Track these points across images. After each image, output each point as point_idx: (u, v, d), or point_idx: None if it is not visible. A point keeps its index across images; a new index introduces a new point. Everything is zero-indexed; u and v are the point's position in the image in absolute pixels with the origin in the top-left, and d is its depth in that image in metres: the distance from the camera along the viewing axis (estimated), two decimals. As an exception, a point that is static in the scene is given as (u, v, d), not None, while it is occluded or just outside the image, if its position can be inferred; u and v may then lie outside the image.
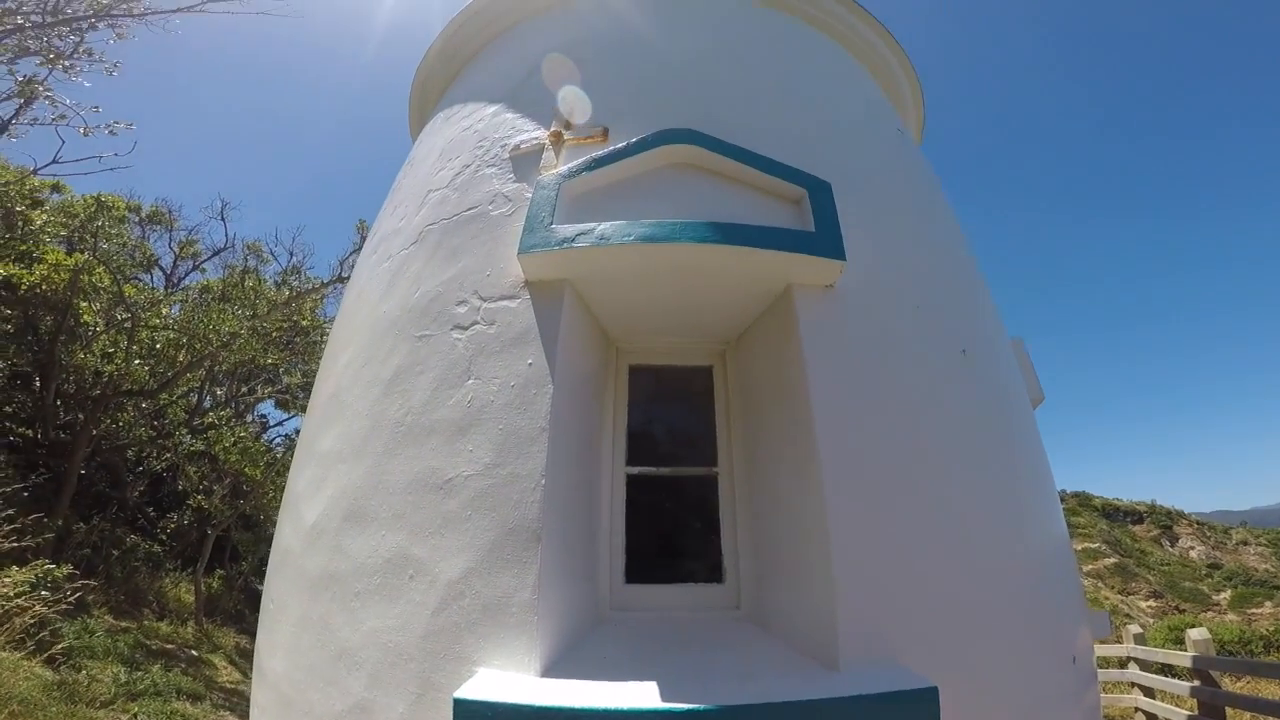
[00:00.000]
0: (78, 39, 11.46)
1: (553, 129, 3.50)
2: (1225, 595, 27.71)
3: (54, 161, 13.50)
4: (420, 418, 2.63)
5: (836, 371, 2.50)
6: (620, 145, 3.08)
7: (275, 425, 22.16)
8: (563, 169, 3.07)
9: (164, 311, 13.12)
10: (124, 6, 11.52)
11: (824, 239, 2.59)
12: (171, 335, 12.79)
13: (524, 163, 3.44)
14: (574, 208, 2.91)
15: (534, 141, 3.52)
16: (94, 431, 12.32)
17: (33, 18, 10.83)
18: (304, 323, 16.21)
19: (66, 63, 11.13)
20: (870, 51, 5.45)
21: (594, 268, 2.69)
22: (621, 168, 3.03)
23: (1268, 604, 26.35)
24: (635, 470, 2.89)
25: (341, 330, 3.79)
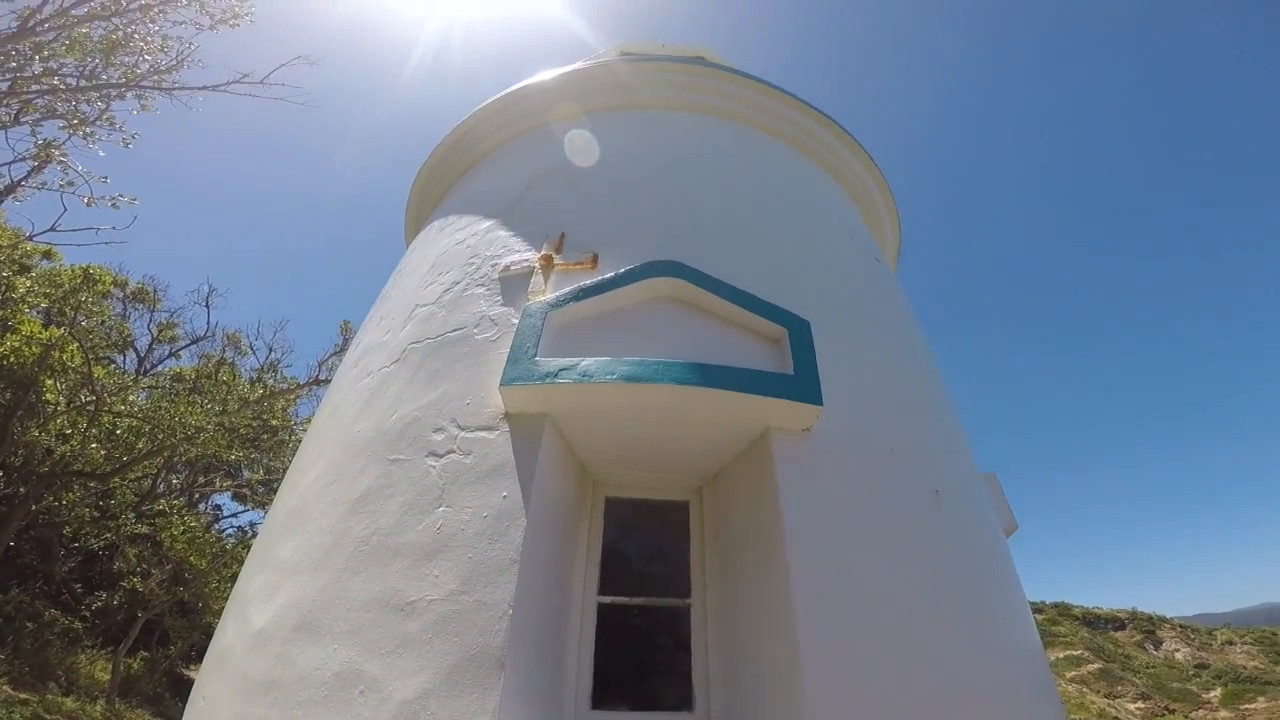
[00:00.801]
0: (104, 106, 11.65)
1: (543, 252, 3.58)
2: (1216, 693, 26.98)
3: (51, 229, 13.49)
4: (387, 539, 2.56)
5: (811, 513, 2.50)
6: (608, 276, 3.14)
7: (229, 516, 21.37)
8: (550, 297, 3.11)
9: (130, 398, 12.77)
10: (155, 78, 11.88)
11: (803, 383, 2.64)
12: (134, 423, 12.43)
13: (513, 285, 3.49)
14: (559, 338, 2.93)
15: (524, 264, 3.59)
16: (33, 507, 11.74)
17: (69, 80, 11.10)
18: (274, 421, 15.90)
19: (88, 129, 11.29)
20: (851, 175, 5.78)
21: (576, 404, 2.69)
22: (608, 299, 3.09)
23: (1260, 699, 25.68)
24: (607, 599, 2.80)
25: (313, 444, 3.68)
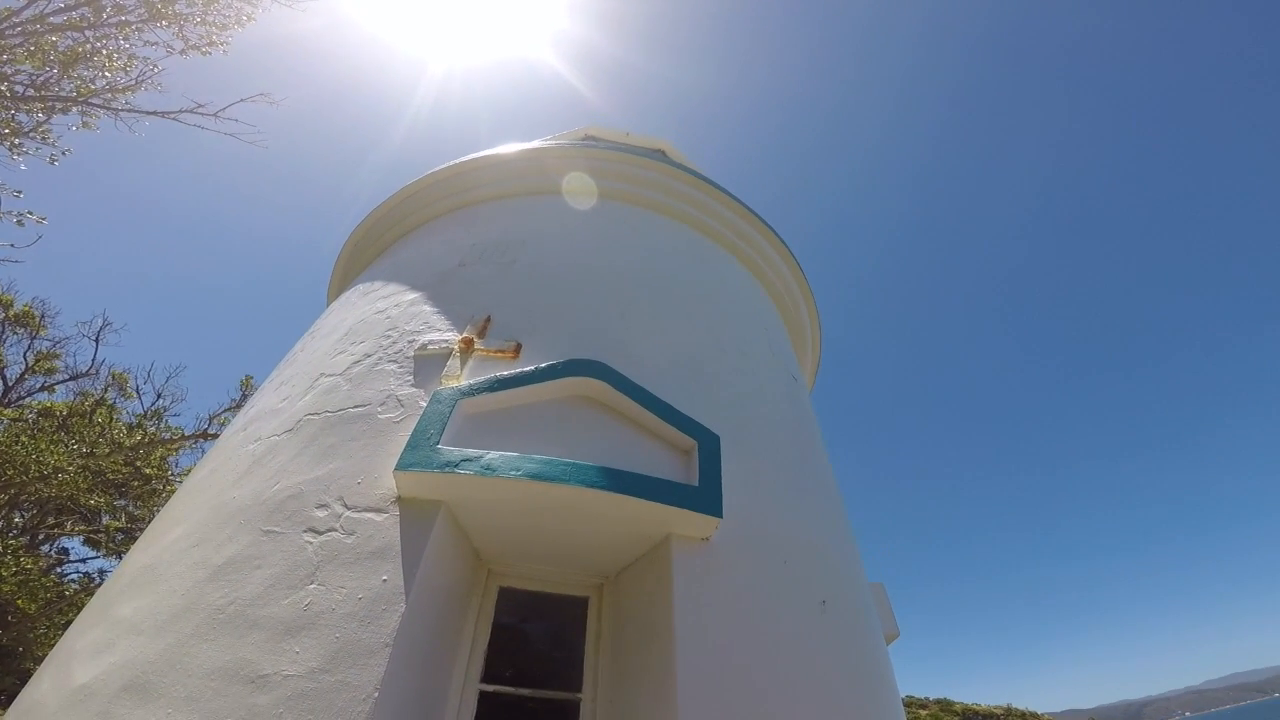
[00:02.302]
0: (44, 118, 11.00)
1: (464, 335, 3.54)
2: None
3: (-59, 238, 12.19)
4: (246, 609, 2.36)
5: (703, 619, 2.51)
6: (528, 370, 3.12)
7: (77, 561, 18.80)
8: (464, 384, 3.05)
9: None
10: (108, 95, 11.34)
11: (705, 495, 2.69)
12: (-21, 455, 11.04)
13: (427, 365, 3.42)
14: (466, 427, 2.86)
15: (443, 344, 3.54)
16: None
17: (18, 88, 10.41)
18: (148, 470, 14.49)
19: (17, 140, 10.57)
20: (783, 289, 6.09)
21: (475, 495, 2.61)
22: (525, 393, 3.06)
23: None
24: (491, 688, 2.63)
25: (182, 502, 3.36)
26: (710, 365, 3.86)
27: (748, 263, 5.66)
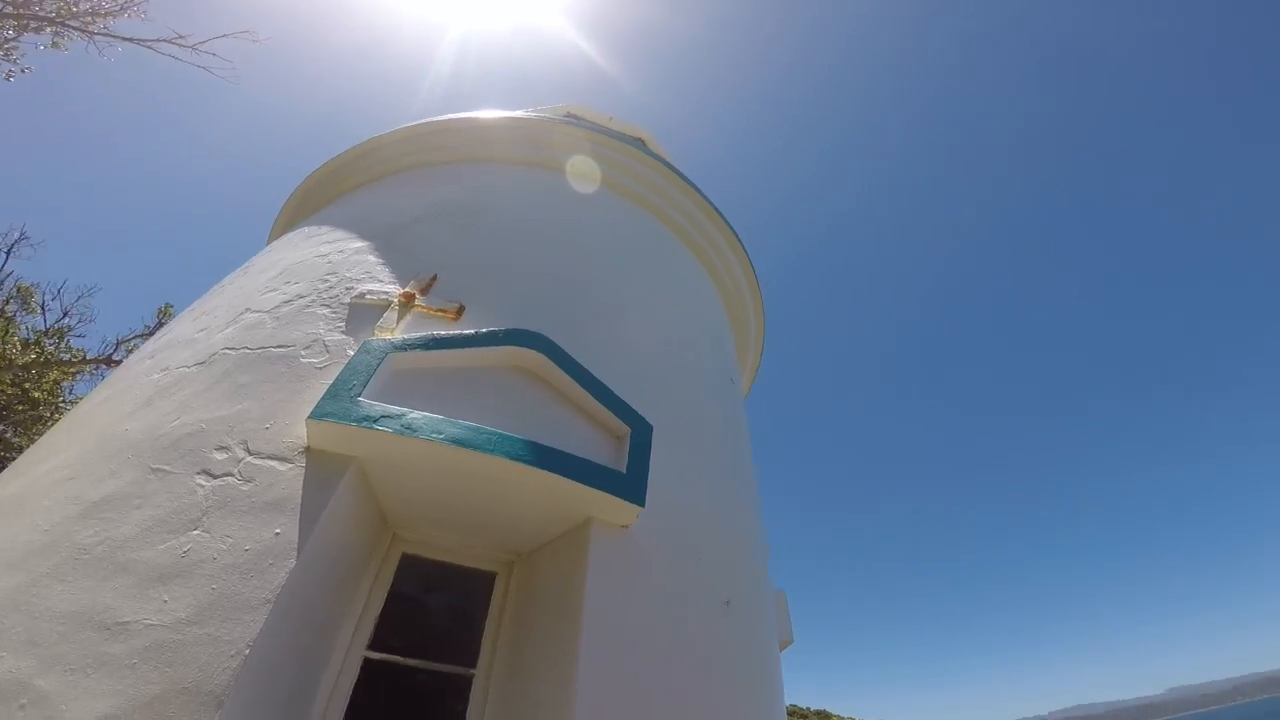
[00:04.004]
0: (14, 35, 10.25)
1: (406, 289, 3.36)
2: None
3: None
4: (116, 551, 2.17)
5: (612, 608, 2.45)
6: (467, 332, 2.98)
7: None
8: (398, 338, 2.88)
9: None
10: (88, 19, 10.64)
11: (632, 483, 2.63)
12: None
13: (362, 315, 3.24)
14: (392, 383, 2.70)
15: (382, 296, 3.36)
16: None
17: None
18: (36, 394, 13.40)
19: None
20: (733, 285, 6.06)
21: (391, 455, 2.45)
22: (460, 356, 2.92)
23: None
24: (378, 656, 2.48)
25: (65, 431, 3.10)
26: (652, 355, 3.80)
27: (702, 257, 5.61)
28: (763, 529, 4.01)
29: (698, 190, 5.51)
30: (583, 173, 5.11)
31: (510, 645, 2.62)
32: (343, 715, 2.27)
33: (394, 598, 2.62)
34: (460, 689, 2.51)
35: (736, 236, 5.79)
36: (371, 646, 2.46)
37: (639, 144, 5.99)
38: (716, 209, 5.64)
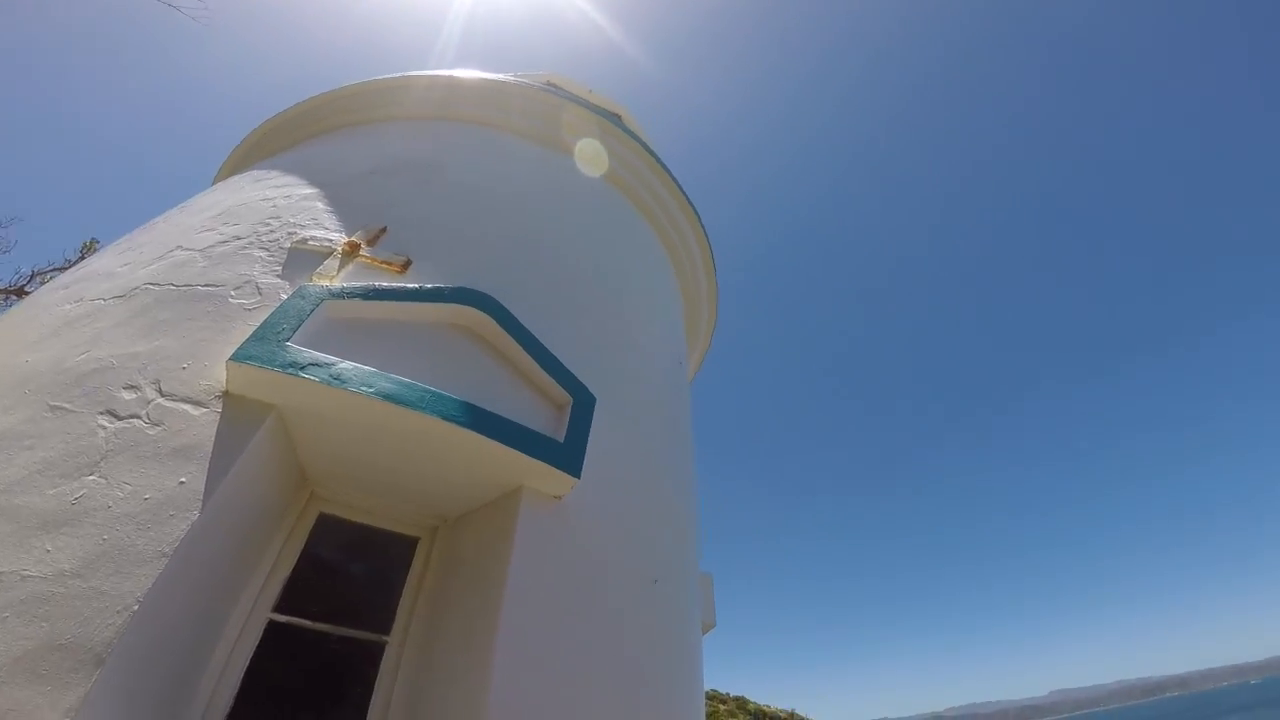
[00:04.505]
0: None
1: (352, 239, 3.19)
2: None
3: None
4: None
5: (538, 580, 2.38)
6: (411, 285, 2.84)
7: None
8: (336, 285, 2.73)
9: None
10: None
11: (569, 453, 2.54)
12: None
13: (302, 260, 3.06)
14: (326, 331, 2.55)
15: (326, 243, 3.19)
16: None
17: None
18: None
19: None
20: (689, 264, 5.96)
21: (316, 405, 2.31)
22: (402, 309, 2.78)
23: None
24: (283, 619, 2.35)
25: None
26: (603, 328, 3.72)
27: (664, 239, 5.52)
28: (697, 512, 3.98)
29: (667, 171, 5.41)
30: (549, 140, 4.97)
31: (428, 613, 2.52)
32: (240, 678, 2.15)
33: (307, 559, 2.49)
34: (372, 656, 2.41)
35: (700, 222, 5.71)
36: (279, 609, 2.33)
37: (615, 119, 5.86)
38: (683, 191, 5.55)
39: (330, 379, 2.27)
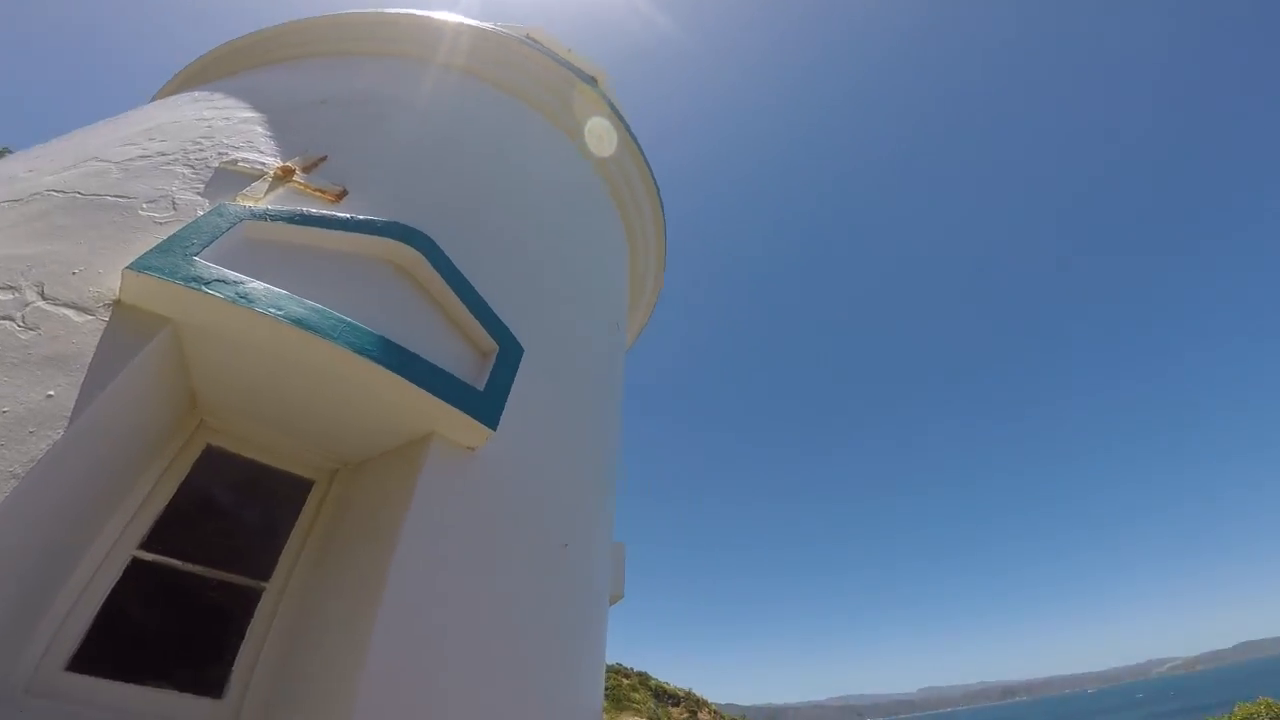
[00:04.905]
0: None
1: (286, 164, 3.00)
2: None
3: None
4: None
5: (439, 533, 2.25)
6: (343, 215, 2.68)
7: None
8: (260, 207, 2.55)
9: None
10: None
11: (488, 403, 2.42)
12: None
13: (229, 181, 2.88)
14: (241, 251, 2.37)
15: (258, 165, 3.00)
16: None
17: None
18: None
19: None
20: (640, 222, 5.75)
21: (217, 325, 2.14)
22: (330, 238, 2.62)
23: None
24: (150, 557, 2.17)
25: None
26: (542, 282, 3.59)
27: (620, 205, 5.37)
28: (615, 481, 3.88)
29: (632, 137, 5.26)
30: (513, 90, 4.78)
31: (314, 560, 2.36)
32: (93, 617, 1.97)
33: (187, 493, 2.31)
34: (247, 603, 2.25)
35: (658, 194, 5.57)
36: (146, 545, 2.15)
37: (590, 82, 5.68)
38: (645, 160, 5.39)
39: (236, 297, 2.11)
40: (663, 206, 5.67)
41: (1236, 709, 10.18)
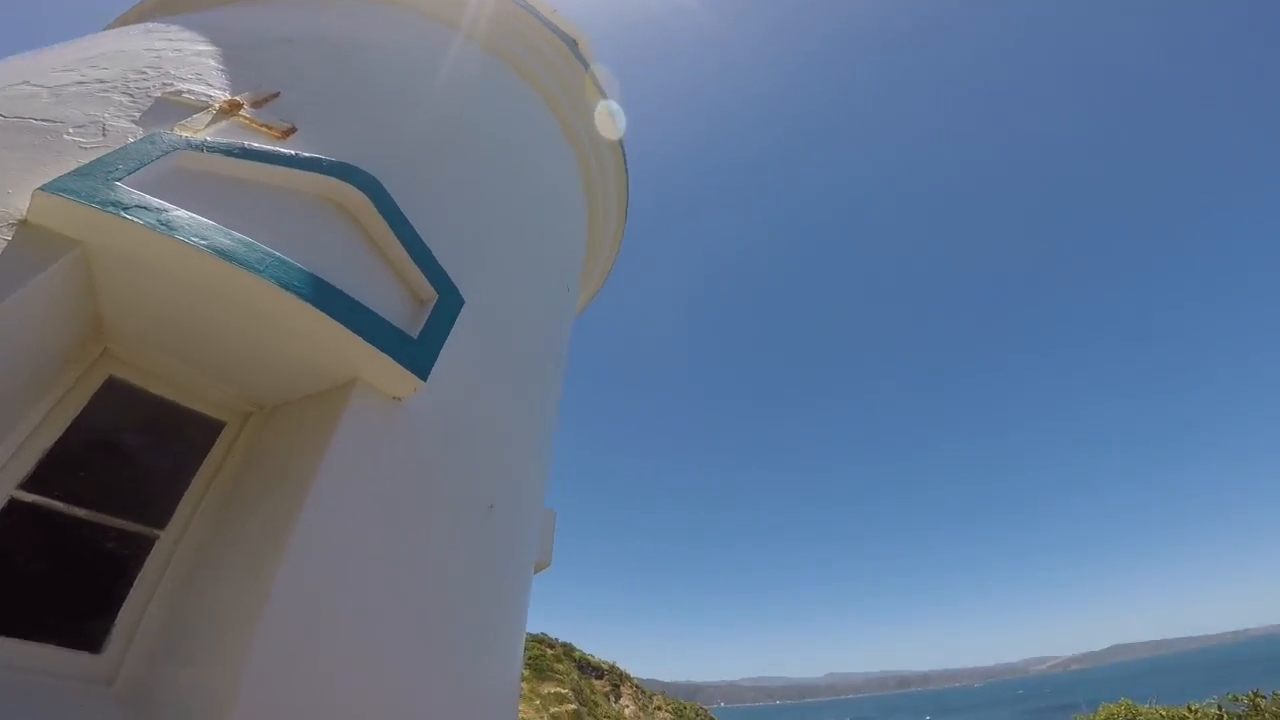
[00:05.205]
0: None
1: (234, 97, 2.86)
2: None
3: None
4: None
5: (353, 487, 2.13)
6: (287, 151, 2.56)
7: None
8: (197, 137, 2.43)
9: None
10: None
11: (420, 351, 2.33)
12: None
13: (167, 110, 2.74)
14: (172, 180, 2.26)
15: (203, 98, 2.86)
16: None
17: None
18: None
19: None
20: (601, 179, 5.57)
21: (135, 251, 2.03)
22: (271, 173, 2.51)
23: None
24: (30, 498, 2.04)
25: None
26: (494, 235, 3.48)
27: (585, 168, 5.21)
28: (550, 446, 3.81)
29: (603, 94, 5.05)
30: (483, 40, 4.61)
31: (217, 509, 2.25)
32: None
33: (81, 429, 2.16)
34: (139, 552, 2.14)
35: (623, 155, 5.40)
36: (28, 485, 2.01)
37: (570, 43, 5.52)
38: (604, 93, 5.16)
39: (157, 224, 2.00)
40: (628, 181, 5.53)
41: (1100, 709, 10.89)
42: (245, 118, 2.80)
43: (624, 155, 5.38)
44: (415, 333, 2.36)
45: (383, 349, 2.18)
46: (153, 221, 2.00)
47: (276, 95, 3.04)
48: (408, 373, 2.23)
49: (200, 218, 2.08)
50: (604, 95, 5.08)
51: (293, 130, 2.84)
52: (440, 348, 2.39)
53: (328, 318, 2.09)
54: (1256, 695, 6.00)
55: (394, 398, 2.34)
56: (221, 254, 2.02)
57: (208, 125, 2.67)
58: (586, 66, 5.01)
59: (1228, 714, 6.02)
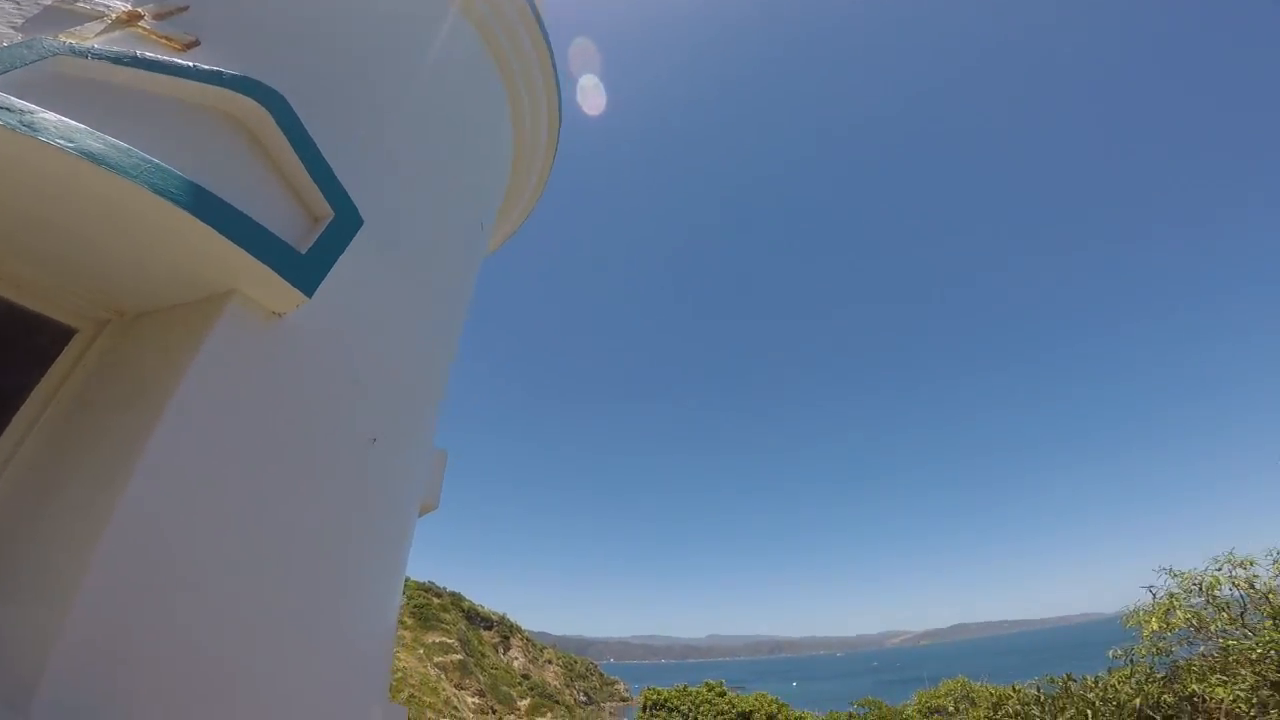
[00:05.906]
0: None
1: (131, 8, 2.71)
2: (526, 702, 31.47)
3: None
4: None
5: (217, 406, 2.03)
6: (185, 62, 2.44)
7: None
8: (82, 44, 2.30)
9: None
10: None
11: (307, 266, 2.22)
12: None
13: (57, 18, 2.59)
14: (48, 86, 2.15)
15: (98, 8, 2.69)
16: None
17: None
18: None
19: None
20: (531, 138, 5.43)
21: (-5, 150, 1.89)
22: (164, 83, 2.40)
23: (549, 714, 30.75)
24: None
25: None
26: (405, 157, 3.35)
27: (514, 101, 4.95)
28: (445, 384, 3.72)
29: (542, 30, 4.79)
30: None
31: (57, 427, 2.12)
32: None
33: None
34: None
35: (557, 90, 5.18)
36: None
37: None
38: (550, 51, 4.95)
39: (21, 124, 1.90)
40: (562, 108, 5.34)
41: (941, 685, 11.94)
42: (144, 28, 2.66)
43: (557, 86, 5.20)
44: (304, 248, 2.26)
45: (262, 259, 2.07)
46: (14, 122, 1.89)
47: (185, 9, 2.88)
48: (290, 287, 2.12)
49: (70, 121, 1.97)
50: (539, 22, 4.86)
51: (195, 43, 2.70)
52: (330, 266, 2.28)
53: (203, 224, 1.98)
54: (1069, 678, 6.59)
55: (274, 313, 2.24)
56: (89, 155, 1.92)
57: (100, 34, 2.54)
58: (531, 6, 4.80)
59: (1044, 695, 6.53)
